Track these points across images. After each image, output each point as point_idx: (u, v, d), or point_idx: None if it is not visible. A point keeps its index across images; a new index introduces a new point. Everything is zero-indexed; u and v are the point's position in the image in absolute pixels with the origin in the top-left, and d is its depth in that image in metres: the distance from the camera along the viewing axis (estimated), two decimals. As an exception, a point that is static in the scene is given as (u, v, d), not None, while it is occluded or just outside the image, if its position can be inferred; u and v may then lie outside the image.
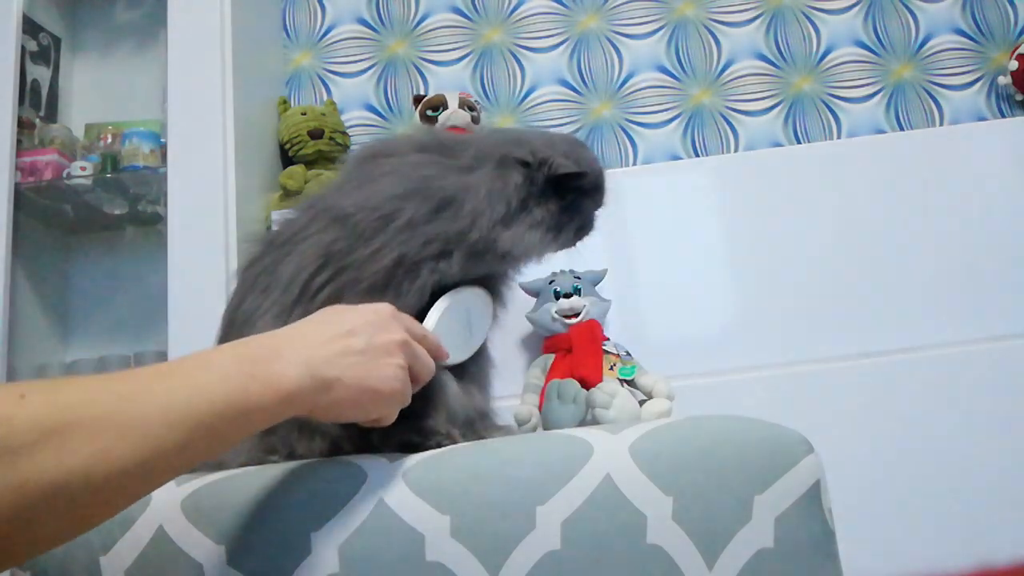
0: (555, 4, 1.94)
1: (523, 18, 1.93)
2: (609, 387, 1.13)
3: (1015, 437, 1.27)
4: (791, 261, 1.46)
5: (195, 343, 1.34)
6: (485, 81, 1.90)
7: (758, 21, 1.90)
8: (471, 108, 1.71)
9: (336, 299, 0.73)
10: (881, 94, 1.84)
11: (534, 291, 1.34)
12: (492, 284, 0.85)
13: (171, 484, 0.65)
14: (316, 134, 1.73)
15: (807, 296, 1.43)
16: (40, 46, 1.73)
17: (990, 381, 1.30)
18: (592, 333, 1.25)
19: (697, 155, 1.83)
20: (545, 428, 1.14)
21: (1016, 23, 1.85)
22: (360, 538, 0.59)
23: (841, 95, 1.84)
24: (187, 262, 1.45)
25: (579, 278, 1.32)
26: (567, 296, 1.30)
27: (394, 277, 0.73)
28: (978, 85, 1.82)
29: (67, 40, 1.85)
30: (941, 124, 1.81)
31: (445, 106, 1.69)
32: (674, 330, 1.45)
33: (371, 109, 1.91)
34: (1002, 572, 1.22)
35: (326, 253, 0.74)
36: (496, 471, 0.62)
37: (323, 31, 1.96)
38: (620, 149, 1.84)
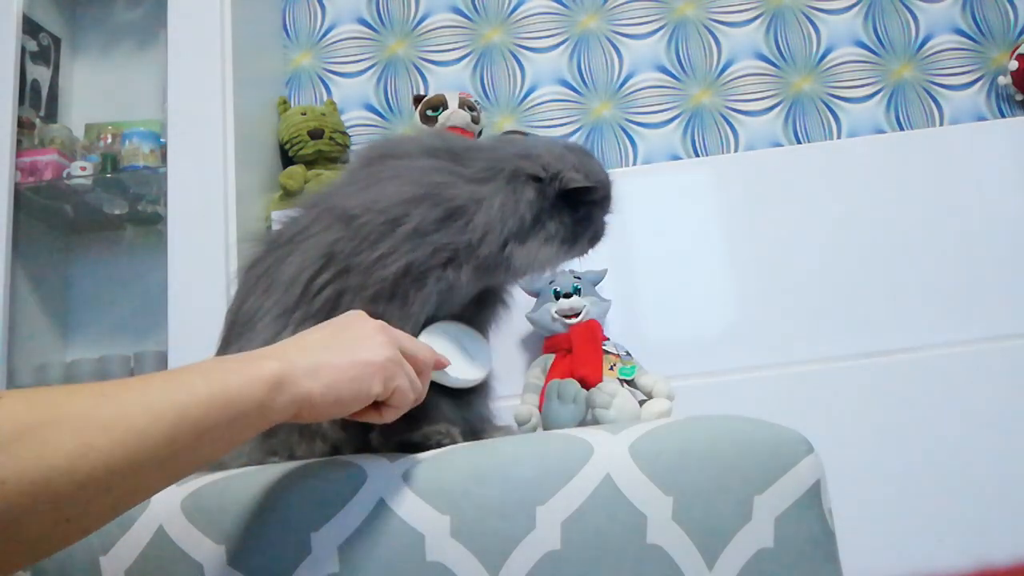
0: (555, 4, 1.94)
1: (523, 18, 1.93)
2: (609, 387, 1.13)
3: (1015, 437, 1.27)
4: (791, 261, 1.46)
5: (195, 343, 1.35)
6: (485, 81, 1.90)
7: (758, 21, 1.90)
8: (471, 108, 1.71)
9: (337, 300, 0.73)
10: (881, 94, 1.84)
11: (534, 291, 1.34)
12: (495, 290, 0.85)
13: (171, 484, 0.65)
14: (316, 134, 1.73)
15: (807, 296, 1.43)
16: (40, 46, 1.73)
17: (990, 381, 1.30)
18: (592, 333, 1.25)
19: (697, 155, 1.83)
20: (545, 428, 1.14)
21: (1016, 23, 1.85)
22: (360, 538, 0.59)
23: (841, 95, 1.84)
24: (187, 262, 1.45)
25: (579, 278, 1.32)
26: (567, 296, 1.30)
27: (400, 286, 0.73)
28: (978, 85, 1.82)
29: (67, 40, 1.85)
30: (941, 124, 1.81)
31: (445, 106, 1.69)
32: (674, 330, 1.45)
33: (371, 109, 1.91)
34: (1002, 572, 1.22)
35: (328, 253, 0.74)
36: (496, 471, 0.62)
37: (323, 31, 1.96)
38: (620, 149, 1.84)
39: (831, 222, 1.47)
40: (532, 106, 1.88)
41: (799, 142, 1.82)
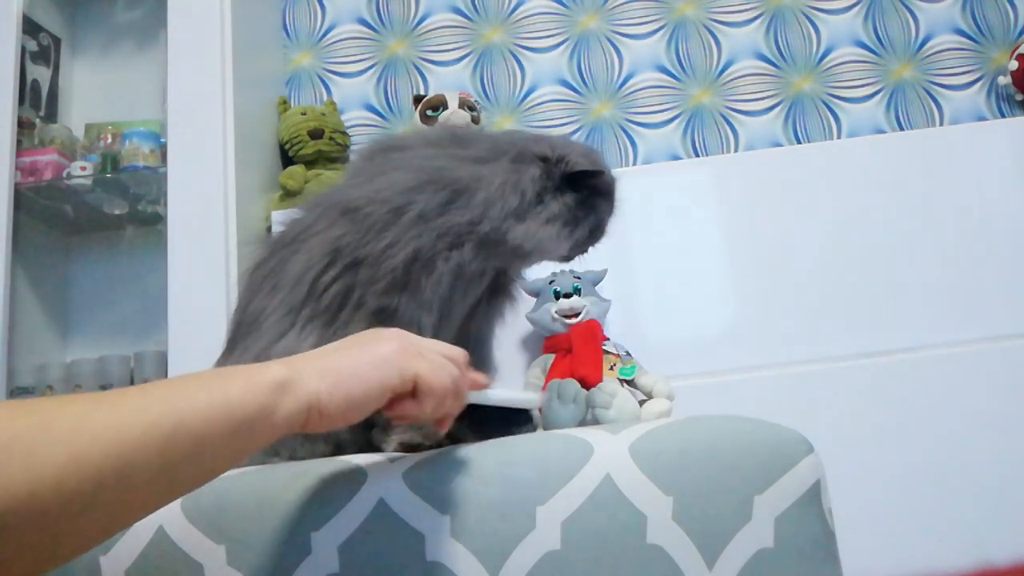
0: (555, 4, 1.94)
1: (523, 18, 1.94)
2: (609, 387, 1.13)
3: (1015, 437, 1.27)
4: (791, 261, 1.46)
5: (195, 343, 1.35)
6: (485, 81, 1.90)
7: (758, 21, 1.90)
8: (471, 108, 1.71)
9: (346, 296, 0.72)
10: (881, 94, 1.84)
11: (534, 291, 1.34)
12: (504, 282, 0.85)
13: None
14: (316, 134, 1.73)
15: (807, 296, 1.43)
16: (40, 46, 1.73)
17: (990, 381, 1.30)
18: (592, 333, 1.25)
19: (697, 155, 1.83)
20: (545, 428, 1.14)
21: (1016, 23, 1.85)
22: (360, 538, 0.59)
23: (841, 95, 1.84)
24: (187, 262, 1.45)
25: (579, 278, 1.32)
26: (567, 296, 1.30)
27: (411, 274, 0.73)
28: (978, 85, 1.82)
29: (67, 40, 1.85)
30: (941, 124, 1.81)
31: (445, 106, 1.69)
32: (674, 330, 1.45)
33: (371, 109, 1.91)
34: (1002, 572, 1.22)
35: (334, 249, 0.73)
36: (496, 471, 0.62)
37: (323, 31, 1.96)
38: (620, 149, 1.84)
39: (831, 222, 1.47)
40: (532, 106, 1.88)
41: (799, 142, 1.82)
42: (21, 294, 1.61)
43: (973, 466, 1.26)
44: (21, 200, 1.57)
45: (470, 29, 1.94)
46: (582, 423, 1.10)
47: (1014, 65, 1.73)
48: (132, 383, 1.55)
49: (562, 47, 1.92)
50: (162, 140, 1.61)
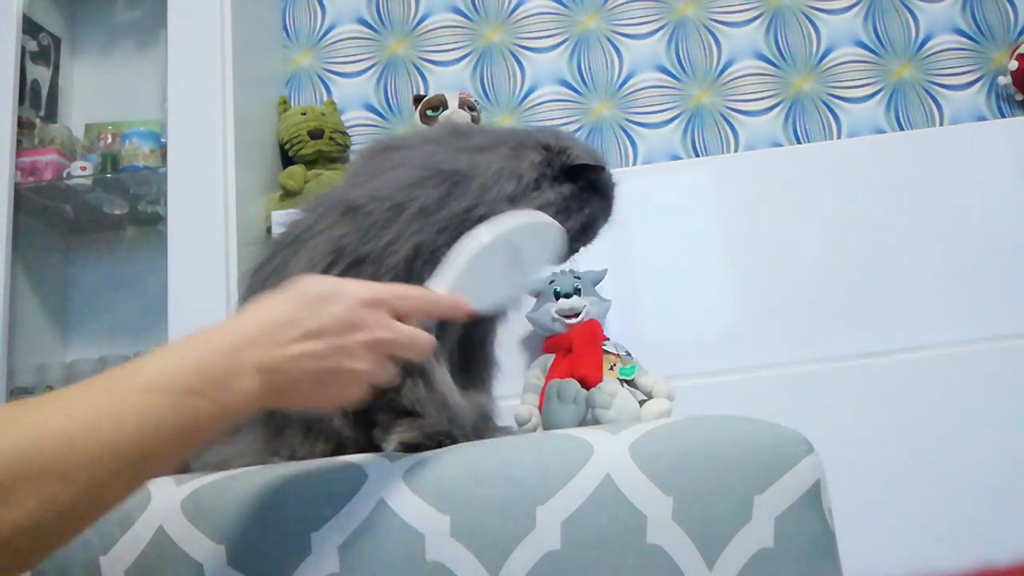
0: (555, 4, 1.94)
1: (523, 18, 1.93)
2: (609, 387, 1.13)
3: (1015, 437, 1.27)
4: (791, 261, 1.46)
5: (195, 343, 1.34)
6: (485, 81, 1.90)
7: (758, 21, 1.90)
8: (471, 108, 1.71)
9: None
10: (881, 94, 1.84)
11: (534, 291, 1.34)
12: None
13: (171, 484, 0.65)
14: (316, 134, 1.73)
15: (807, 296, 1.43)
16: (40, 46, 1.73)
17: (990, 381, 1.30)
18: (592, 333, 1.25)
19: (697, 155, 1.82)
20: (545, 428, 1.14)
21: (1016, 23, 1.85)
22: (360, 538, 0.59)
23: (841, 95, 1.84)
24: (187, 262, 1.45)
25: (579, 278, 1.32)
26: (567, 296, 1.30)
27: (413, 269, 0.73)
28: (978, 85, 1.82)
29: (67, 40, 1.85)
30: (941, 124, 1.81)
31: (445, 106, 1.69)
32: (674, 330, 1.45)
33: (371, 109, 1.91)
34: (1002, 572, 1.21)
35: (336, 248, 0.73)
36: (496, 471, 0.62)
37: (323, 31, 1.96)
38: (620, 149, 1.84)
39: (831, 222, 1.47)
40: (532, 106, 1.88)
41: (799, 142, 1.82)
42: (21, 294, 1.61)
43: (973, 466, 1.26)
44: (21, 200, 1.57)
45: (470, 29, 1.94)
46: (582, 423, 1.10)
47: (1014, 65, 1.73)
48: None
49: (562, 47, 1.92)
50: (162, 140, 1.61)
